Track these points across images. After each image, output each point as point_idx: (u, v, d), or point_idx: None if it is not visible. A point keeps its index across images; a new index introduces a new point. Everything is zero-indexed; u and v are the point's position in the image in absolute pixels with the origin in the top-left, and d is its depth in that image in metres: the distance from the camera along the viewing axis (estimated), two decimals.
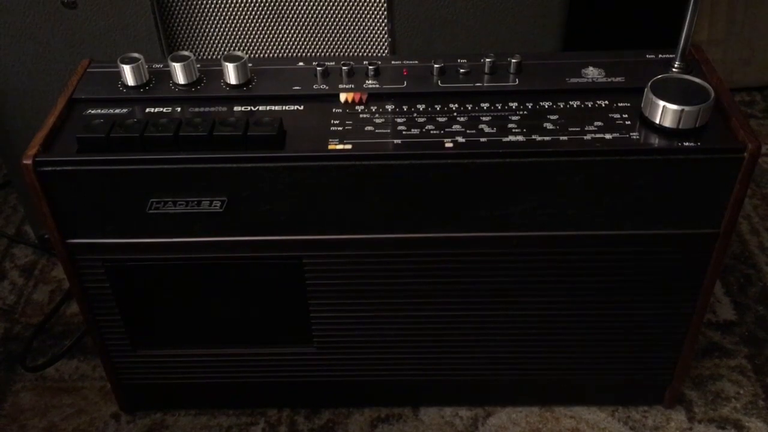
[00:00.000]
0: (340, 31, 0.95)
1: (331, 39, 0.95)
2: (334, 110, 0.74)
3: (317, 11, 0.93)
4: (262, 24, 0.94)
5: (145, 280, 0.78)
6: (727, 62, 1.40)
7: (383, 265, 0.76)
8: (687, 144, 0.68)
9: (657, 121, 0.70)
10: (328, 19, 0.94)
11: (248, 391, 0.90)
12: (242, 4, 0.92)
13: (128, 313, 0.81)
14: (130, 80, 0.76)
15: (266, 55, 0.97)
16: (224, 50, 0.96)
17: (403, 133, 0.71)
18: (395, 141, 0.70)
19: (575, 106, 0.73)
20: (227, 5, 0.93)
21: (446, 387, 0.90)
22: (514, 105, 0.74)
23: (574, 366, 0.85)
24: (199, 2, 0.92)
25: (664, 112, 0.69)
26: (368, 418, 0.91)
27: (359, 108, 0.74)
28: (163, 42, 0.93)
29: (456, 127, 0.71)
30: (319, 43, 0.96)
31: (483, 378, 0.87)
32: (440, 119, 0.72)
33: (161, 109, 0.75)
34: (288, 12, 0.93)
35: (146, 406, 0.92)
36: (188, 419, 0.92)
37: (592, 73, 0.77)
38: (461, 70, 0.77)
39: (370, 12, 0.93)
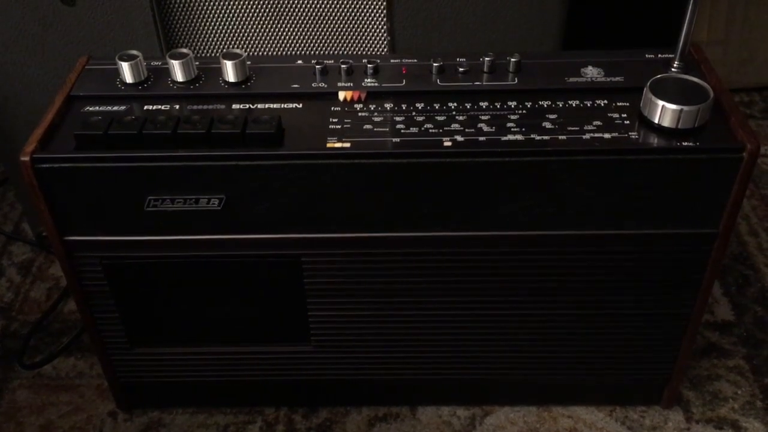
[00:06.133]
0: (340, 29, 0.94)
1: (330, 37, 0.95)
2: (332, 108, 0.74)
3: (316, 9, 0.93)
4: (261, 22, 0.94)
5: (143, 277, 0.78)
6: (726, 63, 1.40)
7: (381, 263, 0.76)
8: (686, 144, 0.68)
9: (656, 121, 0.69)
10: (327, 17, 0.94)
11: (246, 390, 0.90)
12: (241, 2, 0.92)
13: (126, 310, 0.81)
14: (128, 77, 0.76)
15: (265, 53, 0.96)
16: (223, 48, 0.96)
17: (402, 131, 0.71)
18: (394, 139, 0.70)
19: (574, 105, 0.73)
20: (226, 2, 0.92)
21: (444, 386, 0.90)
22: (513, 104, 0.73)
23: (571, 366, 0.85)
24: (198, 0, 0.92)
25: (663, 111, 0.69)
26: (366, 417, 0.91)
27: (358, 106, 0.74)
28: (162, 39, 0.93)
29: (455, 126, 0.71)
30: (318, 41, 0.96)
31: (481, 377, 0.87)
32: (439, 118, 0.72)
33: (159, 107, 0.74)
34: (287, 10, 0.93)
35: (143, 404, 0.92)
36: (185, 417, 0.91)
37: (591, 72, 0.77)
38: (460, 69, 0.77)
39: (370, 10, 0.93)
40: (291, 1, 0.92)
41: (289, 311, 0.81)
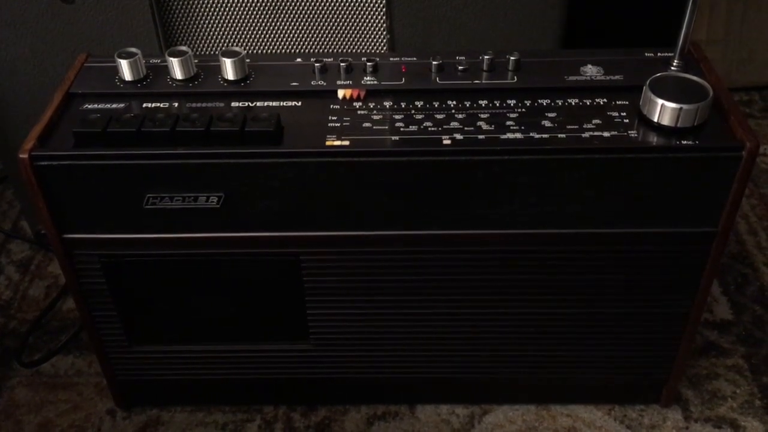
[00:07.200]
0: (339, 27, 0.94)
1: (329, 35, 0.95)
2: (332, 106, 0.74)
3: (316, 7, 0.93)
4: (261, 20, 0.94)
5: (142, 275, 0.78)
6: (725, 62, 1.40)
7: (380, 262, 0.76)
8: (685, 142, 0.68)
9: (655, 120, 0.69)
10: (326, 15, 0.93)
11: (244, 388, 0.90)
12: (240, 0, 0.92)
13: (124, 308, 0.81)
14: (127, 75, 0.76)
15: (264, 51, 0.96)
16: (222, 46, 0.96)
17: (401, 129, 0.71)
18: (393, 137, 0.70)
19: (573, 103, 0.73)
20: (225, 0, 0.92)
21: (443, 385, 0.90)
22: (512, 102, 0.73)
23: (570, 364, 0.85)
24: None
25: (663, 110, 0.69)
26: (365, 416, 0.91)
27: (357, 104, 0.74)
28: (161, 37, 0.92)
29: (454, 124, 0.71)
30: (318, 39, 0.95)
31: (479, 376, 0.87)
32: (438, 116, 0.72)
33: (158, 104, 0.74)
34: (286, 8, 0.93)
35: (142, 402, 0.92)
36: (184, 415, 0.91)
37: (590, 70, 0.77)
38: (460, 67, 0.77)
39: (369, 8, 0.93)
40: None
41: (288, 310, 0.81)
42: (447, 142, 0.69)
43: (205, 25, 0.94)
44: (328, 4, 0.92)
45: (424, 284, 0.78)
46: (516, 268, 0.77)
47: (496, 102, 0.74)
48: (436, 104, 0.74)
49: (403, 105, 0.74)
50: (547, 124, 0.71)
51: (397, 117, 0.72)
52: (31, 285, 1.10)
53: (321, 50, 0.96)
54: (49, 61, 0.93)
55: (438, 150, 0.69)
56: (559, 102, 0.73)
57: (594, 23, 1.21)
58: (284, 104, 0.74)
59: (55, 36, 0.91)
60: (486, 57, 0.76)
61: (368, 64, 0.77)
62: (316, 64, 0.77)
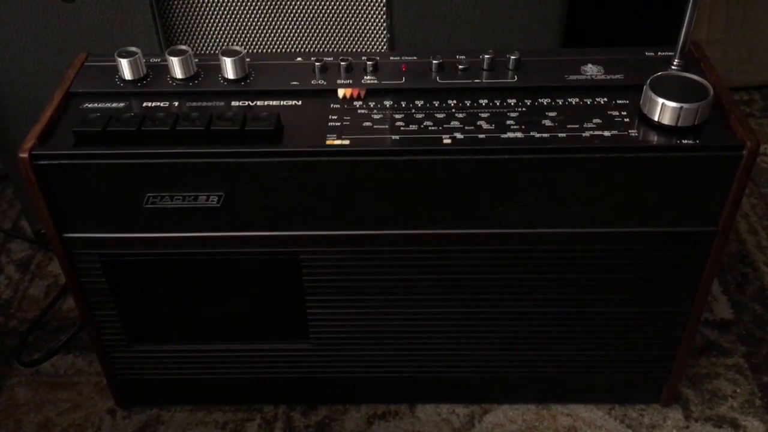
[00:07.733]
0: (339, 26, 0.94)
1: (329, 34, 0.95)
2: (332, 105, 0.74)
3: (316, 6, 0.93)
4: (261, 19, 0.94)
5: (142, 275, 0.78)
6: (725, 61, 1.40)
7: (380, 261, 0.76)
8: (685, 141, 0.68)
9: (656, 119, 0.69)
10: (326, 15, 0.93)
11: (244, 387, 0.90)
12: None
13: (124, 308, 0.81)
14: (127, 74, 0.76)
15: (264, 50, 0.96)
16: (222, 45, 0.96)
17: (401, 128, 0.71)
18: (393, 137, 0.70)
19: (574, 103, 0.73)
20: (225, 0, 0.92)
21: (443, 384, 0.89)
22: (512, 101, 0.73)
23: (571, 364, 0.85)
24: None
25: (663, 109, 0.69)
26: (365, 415, 0.91)
27: (357, 103, 0.74)
28: (161, 36, 0.92)
29: (454, 124, 0.71)
30: (318, 38, 0.95)
31: (480, 375, 0.87)
32: (438, 115, 0.72)
33: (158, 104, 0.74)
34: (286, 7, 0.93)
35: (142, 402, 0.92)
36: (184, 415, 0.91)
37: (591, 70, 0.77)
38: (460, 67, 0.77)
39: (369, 7, 0.92)
40: None
41: (288, 309, 0.81)
42: (447, 141, 0.69)
43: (205, 25, 0.94)
44: (328, 3, 0.92)
45: (425, 283, 0.78)
46: (516, 267, 0.77)
47: (496, 101, 0.73)
48: (436, 103, 0.73)
49: (403, 104, 0.74)
50: (547, 123, 0.71)
51: (397, 116, 0.72)
52: (31, 284, 1.10)
53: (321, 49, 0.96)
54: (49, 60, 0.93)
55: (438, 149, 0.69)
56: (560, 101, 0.73)
57: (594, 23, 1.21)
58: (284, 103, 0.74)
59: (55, 35, 0.91)
60: (486, 56, 0.76)
61: (368, 63, 0.77)
62: (317, 63, 0.77)
